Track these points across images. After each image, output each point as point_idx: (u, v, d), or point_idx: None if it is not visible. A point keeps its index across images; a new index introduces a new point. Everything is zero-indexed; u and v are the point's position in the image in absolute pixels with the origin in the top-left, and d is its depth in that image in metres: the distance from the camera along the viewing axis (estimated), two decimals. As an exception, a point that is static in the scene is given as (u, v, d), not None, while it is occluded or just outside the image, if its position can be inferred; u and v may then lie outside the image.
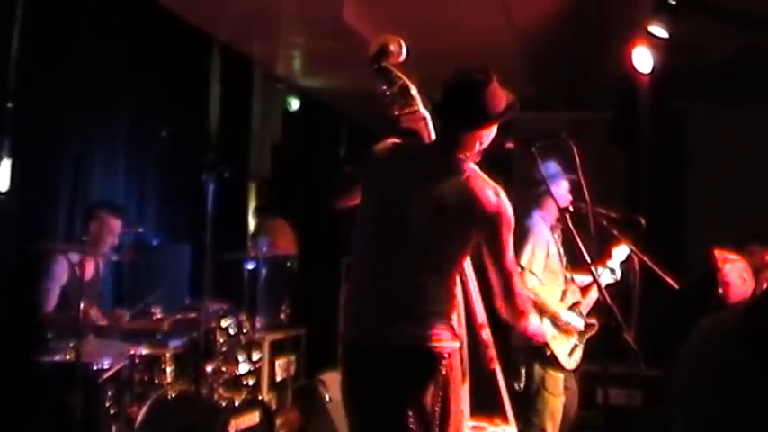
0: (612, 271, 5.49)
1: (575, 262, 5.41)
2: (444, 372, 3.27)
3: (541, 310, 5.31)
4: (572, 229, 3.71)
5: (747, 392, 2.19)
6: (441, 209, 3.30)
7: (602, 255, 5.43)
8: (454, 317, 3.38)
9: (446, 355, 3.27)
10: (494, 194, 3.32)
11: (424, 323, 3.27)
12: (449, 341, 3.29)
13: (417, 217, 3.31)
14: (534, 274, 5.35)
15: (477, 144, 3.38)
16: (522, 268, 5.35)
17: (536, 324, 3.79)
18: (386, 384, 3.30)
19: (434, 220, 3.30)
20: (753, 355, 2.20)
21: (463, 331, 3.57)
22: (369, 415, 3.37)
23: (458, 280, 3.50)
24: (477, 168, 3.40)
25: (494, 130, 3.41)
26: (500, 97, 3.35)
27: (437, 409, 3.26)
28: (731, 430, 2.22)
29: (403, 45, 3.64)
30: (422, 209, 3.31)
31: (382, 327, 3.32)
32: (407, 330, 3.27)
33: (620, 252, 5.49)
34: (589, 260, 3.54)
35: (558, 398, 5.42)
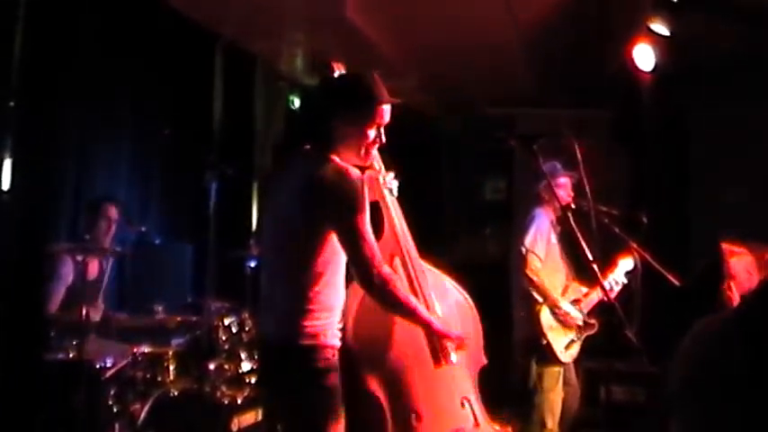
0: (617, 282, 5.50)
1: (580, 270, 5.44)
2: (321, 366, 3.19)
3: (542, 295, 5.34)
4: (574, 226, 3.71)
5: (739, 393, 2.19)
6: (292, 199, 3.28)
7: (607, 263, 5.45)
8: (321, 310, 3.24)
9: (318, 350, 3.20)
10: (335, 172, 3.22)
11: (289, 320, 3.23)
12: (312, 338, 3.19)
13: (276, 216, 3.37)
14: (537, 255, 5.37)
15: (354, 142, 3.37)
16: (526, 249, 5.38)
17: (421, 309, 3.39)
18: (272, 382, 3.39)
19: (286, 213, 3.29)
20: (744, 357, 2.20)
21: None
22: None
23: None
24: (338, 159, 3.31)
25: (368, 121, 3.36)
26: (378, 83, 3.39)
27: (330, 404, 3.20)
28: (724, 430, 2.22)
29: None
30: (279, 206, 3.35)
31: (265, 328, 3.41)
32: (276, 329, 3.30)
33: (626, 264, 5.52)
34: (590, 257, 3.54)
35: (555, 392, 5.43)
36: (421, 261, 3.69)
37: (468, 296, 3.88)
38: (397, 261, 3.60)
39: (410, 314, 3.30)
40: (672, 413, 2.39)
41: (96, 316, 5.30)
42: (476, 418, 3.65)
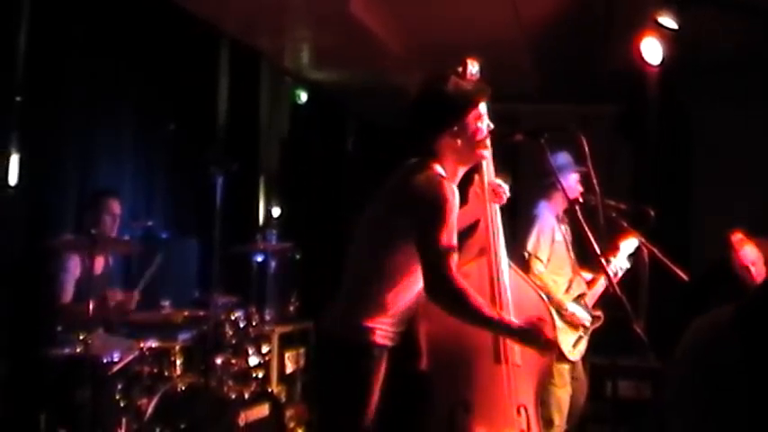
0: (621, 268, 5.48)
1: (584, 257, 5.42)
2: (365, 362, 3.24)
3: (548, 299, 5.32)
4: (581, 220, 3.71)
5: (737, 390, 2.19)
6: (380, 201, 3.36)
7: (610, 247, 5.43)
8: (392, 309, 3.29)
9: (366, 348, 3.25)
10: (426, 180, 3.25)
11: (349, 315, 3.29)
12: (364, 335, 3.25)
13: (367, 216, 3.41)
14: (540, 259, 5.35)
15: (454, 159, 3.39)
16: (529, 254, 5.36)
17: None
18: (319, 373, 3.49)
19: (374, 214, 3.37)
20: (743, 354, 2.21)
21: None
22: None
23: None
24: (439, 169, 3.33)
25: (467, 131, 3.36)
26: (460, 87, 3.39)
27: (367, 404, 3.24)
28: (724, 429, 2.22)
29: None
30: (372, 208, 3.40)
31: (327, 318, 3.40)
32: (334, 321, 3.33)
33: (629, 245, 5.48)
34: (599, 252, 3.53)
35: (564, 389, 5.41)
36: (507, 263, 3.63)
37: (550, 307, 3.80)
38: (485, 257, 3.57)
39: (486, 323, 3.21)
40: (672, 409, 2.40)
41: (113, 298, 5.30)
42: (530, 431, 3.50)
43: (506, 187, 3.77)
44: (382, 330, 3.26)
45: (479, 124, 3.38)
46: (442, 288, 3.14)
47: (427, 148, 3.37)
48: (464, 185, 3.68)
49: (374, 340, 3.24)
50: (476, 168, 3.68)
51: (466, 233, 3.70)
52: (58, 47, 5.58)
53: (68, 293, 5.26)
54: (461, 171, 3.47)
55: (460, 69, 3.63)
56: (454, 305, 3.17)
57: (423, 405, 3.38)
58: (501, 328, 3.27)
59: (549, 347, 3.30)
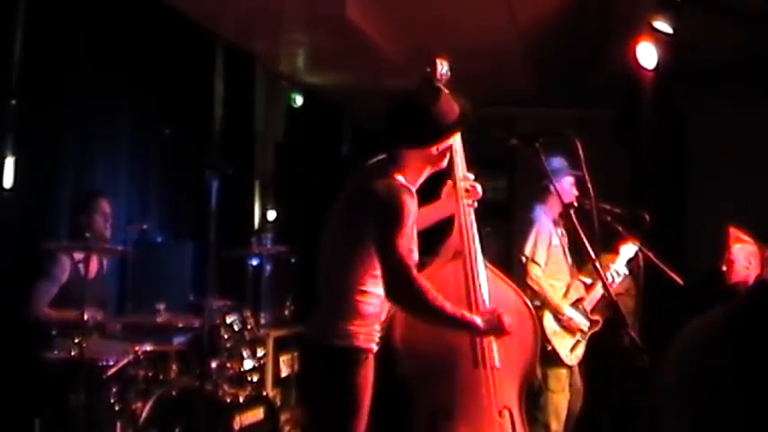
0: (618, 273, 5.47)
1: (581, 262, 5.42)
2: (351, 367, 3.25)
3: (544, 303, 5.32)
4: (576, 224, 3.71)
5: (730, 393, 2.19)
6: (342, 204, 3.42)
7: (610, 252, 5.43)
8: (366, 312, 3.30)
9: (351, 352, 3.26)
10: (386, 187, 3.27)
11: (327, 320, 3.31)
12: (346, 339, 3.26)
13: (331, 222, 3.45)
14: (538, 264, 5.35)
15: (420, 164, 3.41)
16: (527, 258, 5.36)
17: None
18: (306, 379, 3.50)
19: (338, 219, 3.41)
20: (736, 357, 2.21)
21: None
22: None
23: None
24: (399, 178, 3.35)
25: (441, 152, 3.41)
26: (448, 111, 3.38)
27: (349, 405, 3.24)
28: (720, 430, 2.22)
29: None
30: (335, 212, 3.44)
31: (308, 326, 3.47)
32: (315, 327, 3.37)
33: (628, 250, 5.48)
34: (593, 255, 3.53)
35: (561, 394, 5.41)
36: (485, 265, 3.67)
37: (533, 311, 3.84)
38: (460, 260, 3.61)
39: (449, 319, 3.23)
40: (667, 409, 2.39)
41: (97, 316, 5.24)
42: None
43: (478, 186, 3.78)
44: (364, 334, 3.27)
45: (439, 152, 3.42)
46: (402, 289, 3.18)
47: (391, 154, 3.41)
48: (438, 183, 3.71)
49: (358, 344, 3.26)
50: (448, 170, 3.71)
51: (439, 234, 3.73)
52: (54, 50, 5.57)
53: (45, 301, 5.17)
54: (423, 177, 3.49)
55: (430, 70, 3.64)
56: (415, 305, 3.22)
57: (404, 410, 3.42)
58: (466, 327, 3.30)
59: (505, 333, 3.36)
